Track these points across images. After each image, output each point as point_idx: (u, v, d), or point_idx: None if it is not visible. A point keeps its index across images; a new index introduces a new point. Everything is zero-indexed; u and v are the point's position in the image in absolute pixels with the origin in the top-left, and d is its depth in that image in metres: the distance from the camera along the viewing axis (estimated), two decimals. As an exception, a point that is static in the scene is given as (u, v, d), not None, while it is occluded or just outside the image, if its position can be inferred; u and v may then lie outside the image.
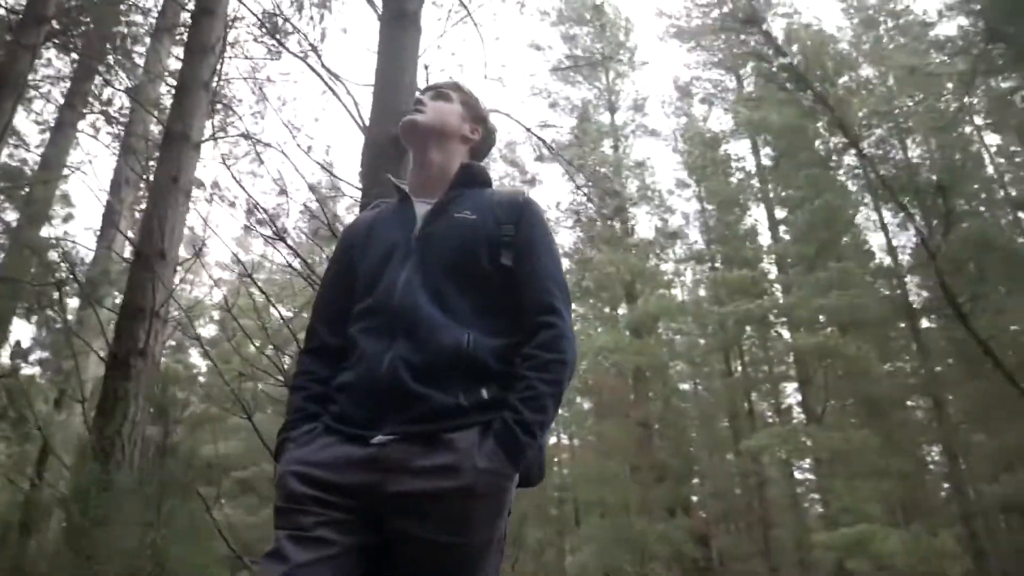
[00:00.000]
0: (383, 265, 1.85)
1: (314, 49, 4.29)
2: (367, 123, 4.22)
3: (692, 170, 24.17)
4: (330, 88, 4.12)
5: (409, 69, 4.30)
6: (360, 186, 4.13)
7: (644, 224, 24.97)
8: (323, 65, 4.24)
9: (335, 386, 1.80)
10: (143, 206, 9.70)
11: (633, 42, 22.52)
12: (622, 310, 23.36)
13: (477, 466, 1.60)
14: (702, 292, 24.85)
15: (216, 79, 6.66)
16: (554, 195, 23.18)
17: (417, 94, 2.16)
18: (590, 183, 23.18)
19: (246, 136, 7.27)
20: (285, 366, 4.41)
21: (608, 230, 23.35)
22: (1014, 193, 21.93)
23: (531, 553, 17.35)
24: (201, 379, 18.88)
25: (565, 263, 22.93)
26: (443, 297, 1.79)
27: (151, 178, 6.86)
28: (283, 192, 4.94)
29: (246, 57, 8.58)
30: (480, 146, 2.16)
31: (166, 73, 8.90)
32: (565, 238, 22.84)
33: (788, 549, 20.63)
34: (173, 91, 6.75)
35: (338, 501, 1.60)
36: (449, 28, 4.76)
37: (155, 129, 8.53)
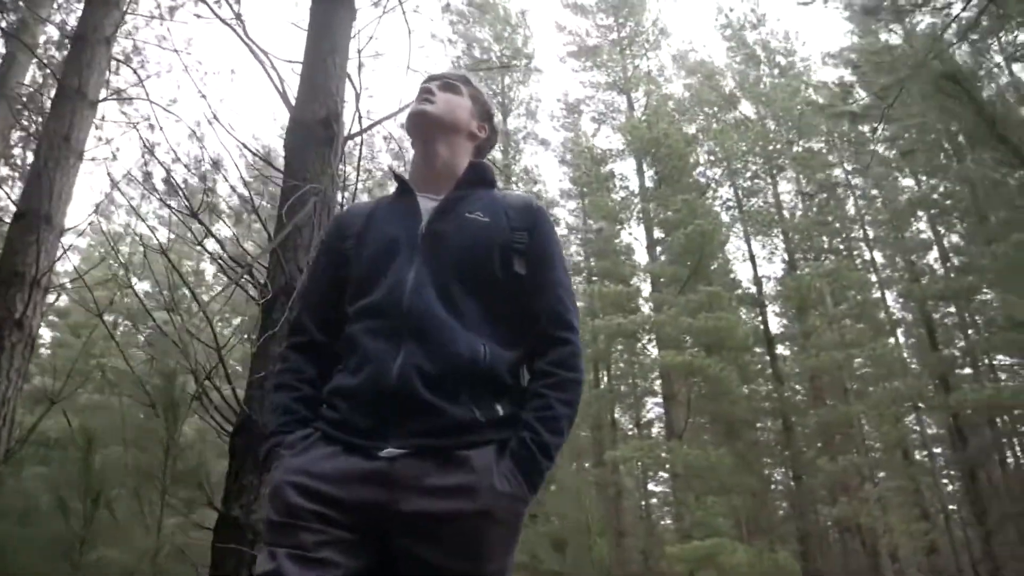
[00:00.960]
0: (386, 261, 1.74)
1: (238, 17, 4.07)
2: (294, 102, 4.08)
3: (577, 183, 24.75)
4: (258, 61, 3.93)
5: (340, 51, 4.20)
6: (283, 170, 3.97)
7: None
8: (246, 35, 4.03)
9: (332, 389, 1.68)
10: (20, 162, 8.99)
11: (531, 49, 22.84)
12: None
13: (495, 488, 1.53)
14: (579, 304, 25.39)
15: (120, 34, 6.25)
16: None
17: (424, 83, 2.02)
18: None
19: (150, 101, 6.82)
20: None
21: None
22: (871, 233, 23.69)
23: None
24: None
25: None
26: (452, 300, 1.69)
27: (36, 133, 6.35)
28: (214, 166, 4.65)
29: (158, 17, 8.04)
30: (485, 145, 2.06)
31: (64, 23, 8.27)
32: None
33: (637, 560, 21.31)
34: (69, 43, 6.28)
35: (342, 518, 1.48)
36: (382, 15, 4.62)
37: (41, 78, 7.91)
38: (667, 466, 18.97)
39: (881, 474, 20.87)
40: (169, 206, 3.53)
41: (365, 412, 1.58)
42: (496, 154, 22.18)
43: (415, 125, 1.95)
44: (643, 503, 25.26)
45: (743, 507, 18.70)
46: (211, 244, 4.05)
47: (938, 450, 23.63)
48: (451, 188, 1.87)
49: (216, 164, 4.54)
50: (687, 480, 18.88)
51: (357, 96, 4.02)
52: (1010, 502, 20.23)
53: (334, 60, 3.94)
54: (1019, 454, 23.05)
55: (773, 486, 23.56)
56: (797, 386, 22.79)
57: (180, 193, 3.32)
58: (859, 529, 18.89)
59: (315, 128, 3.75)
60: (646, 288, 22.75)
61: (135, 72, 6.68)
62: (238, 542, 2.69)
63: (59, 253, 5.67)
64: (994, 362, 21.95)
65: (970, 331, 22.38)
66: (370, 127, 4.11)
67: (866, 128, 21.62)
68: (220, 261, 3.25)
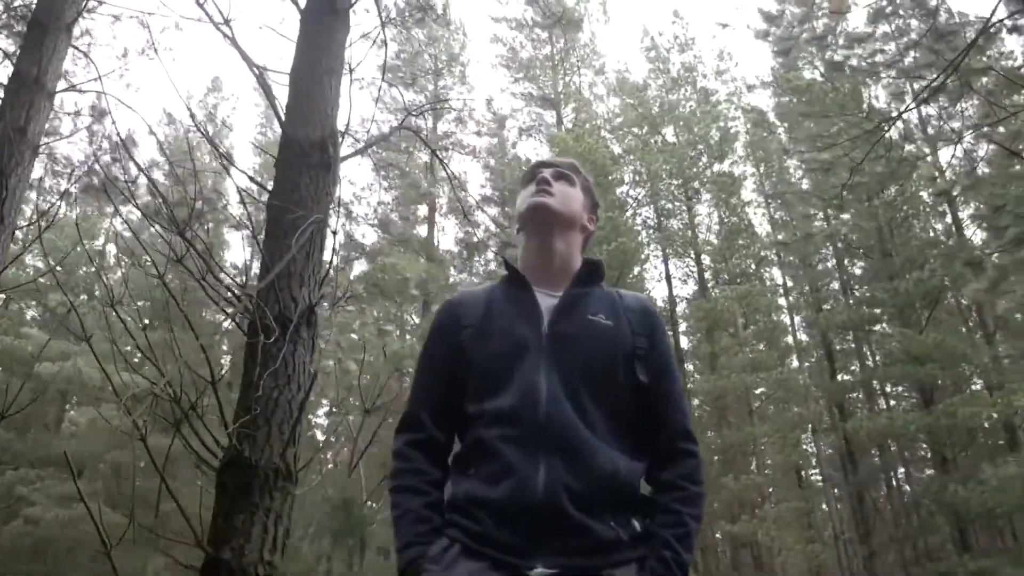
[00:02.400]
0: (512, 361, 1.70)
1: (227, 23, 3.93)
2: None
3: (501, 191, 24.82)
4: (252, 71, 3.81)
5: (337, 72, 4.11)
6: (270, 188, 3.85)
7: (450, 236, 25.38)
8: (234, 41, 3.90)
9: (469, 498, 1.62)
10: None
11: (466, 57, 22.85)
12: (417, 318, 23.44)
13: None
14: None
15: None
16: (356, 187, 22.28)
17: (537, 169, 1.98)
18: (398, 185, 23.02)
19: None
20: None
21: (410, 234, 23.38)
22: (775, 256, 24.59)
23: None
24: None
25: (363, 263, 22.69)
26: (584, 410, 1.66)
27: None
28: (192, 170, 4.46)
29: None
30: (592, 235, 2.02)
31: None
32: (369, 236, 22.57)
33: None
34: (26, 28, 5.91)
35: None
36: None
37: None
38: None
39: (770, 490, 21.65)
40: (152, 220, 3.36)
41: (511, 528, 1.54)
42: (423, 157, 22.07)
43: (535, 219, 1.90)
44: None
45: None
46: (192, 261, 3.91)
47: (830, 472, 24.65)
48: (568, 284, 1.84)
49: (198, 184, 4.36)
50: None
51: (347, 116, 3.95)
52: (894, 526, 21.34)
53: (331, 81, 3.85)
54: (901, 480, 24.31)
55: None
56: (706, 406, 23.44)
57: (166, 208, 3.16)
58: (752, 546, 19.56)
59: (310, 151, 3.65)
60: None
61: (94, 64, 6.29)
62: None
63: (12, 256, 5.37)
64: (887, 391, 23.13)
65: (867, 360, 23.55)
66: (362, 150, 4.03)
67: (791, 163, 22.53)
68: (212, 288, 3.12)
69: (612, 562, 1.54)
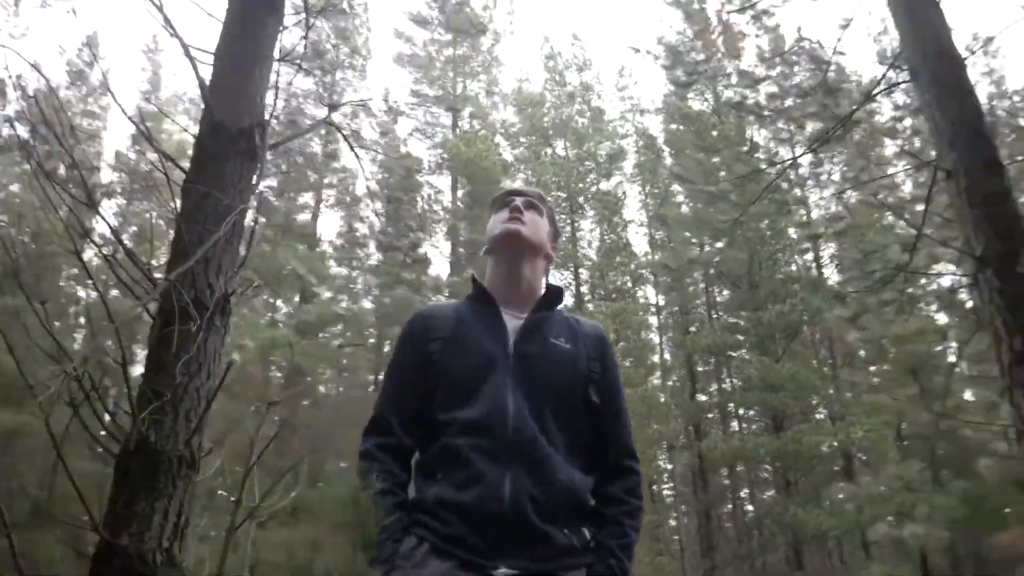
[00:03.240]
0: (481, 377, 1.82)
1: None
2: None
3: (388, 186, 24.59)
4: (182, 46, 3.65)
5: (268, 62, 4.01)
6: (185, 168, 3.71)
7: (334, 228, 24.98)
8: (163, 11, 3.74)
9: (439, 501, 1.72)
10: None
11: (368, 49, 22.50)
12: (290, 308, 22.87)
13: None
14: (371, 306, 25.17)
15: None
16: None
17: (513, 198, 2.11)
18: (291, 171, 22.47)
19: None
20: None
21: (291, 221, 22.81)
22: (651, 276, 25.46)
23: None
24: None
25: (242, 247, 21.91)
26: (546, 426, 1.80)
27: None
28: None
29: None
30: (552, 261, 2.18)
31: None
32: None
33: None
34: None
35: None
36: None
37: None
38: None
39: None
40: (71, 194, 3.18)
41: (482, 532, 1.65)
42: (315, 146, 21.60)
43: (507, 245, 2.04)
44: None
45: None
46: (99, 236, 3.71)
47: (681, 488, 25.68)
48: (531, 307, 1.98)
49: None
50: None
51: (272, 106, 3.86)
52: (736, 543, 22.47)
53: (262, 68, 3.75)
54: (745, 500, 25.63)
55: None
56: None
57: (80, 177, 2.99)
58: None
59: (237, 138, 3.55)
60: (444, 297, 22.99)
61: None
62: (126, 574, 2.50)
63: None
64: (741, 414, 24.35)
65: (724, 383, 24.71)
66: (284, 141, 3.94)
67: (676, 187, 23.39)
68: (119, 269, 2.97)
69: (566, 566, 1.70)
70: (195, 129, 3.74)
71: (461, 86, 23.76)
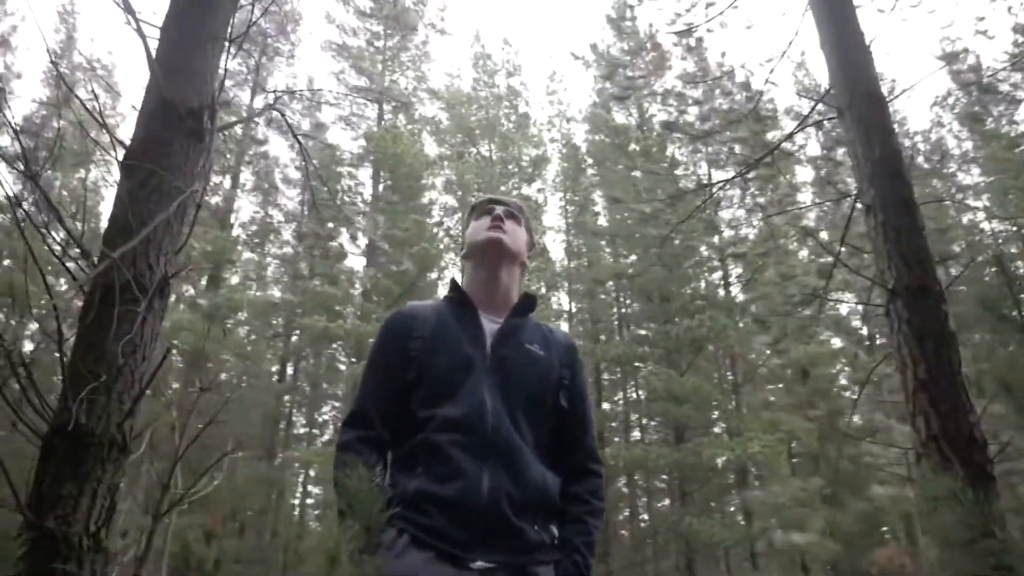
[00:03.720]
0: (461, 377, 1.90)
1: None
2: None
3: (303, 172, 24.16)
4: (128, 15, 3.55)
5: (220, 40, 3.93)
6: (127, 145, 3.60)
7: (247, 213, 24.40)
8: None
9: (420, 494, 1.77)
10: None
11: (299, 34, 22.08)
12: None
13: None
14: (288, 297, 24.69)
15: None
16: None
17: (494, 207, 2.21)
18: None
19: None
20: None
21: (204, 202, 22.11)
22: (565, 283, 25.77)
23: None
24: None
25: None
26: (520, 428, 1.89)
27: None
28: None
29: None
30: (526, 268, 2.27)
31: None
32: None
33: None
34: None
35: None
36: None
37: None
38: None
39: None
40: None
41: (462, 526, 1.72)
42: (237, 129, 21.03)
43: (490, 253, 2.13)
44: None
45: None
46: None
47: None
48: (507, 312, 2.07)
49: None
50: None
51: (221, 85, 3.79)
52: (632, 551, 22.97)
53: (213, 48, 3.68)
54: (641, 508, 26.24)
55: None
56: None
57: (18, 142, 2.87)
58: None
59: (186, 117, 3.47)
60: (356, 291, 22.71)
61: None
62: (51, 557, 2.43)
63: None
64: (644, 423, 24.90)
65: (630, 393, 25.24)
66: (232, 125, 3.87)
67: (596, 196, 23.71)
68: (59, 248, 2.88)
69: (536, 561, 1.79)
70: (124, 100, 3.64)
71: (389, 79, 23.52)
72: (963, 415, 4.40)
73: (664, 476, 23.90)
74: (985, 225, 21.02)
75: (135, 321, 3.09)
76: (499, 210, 2.19)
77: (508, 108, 24.78)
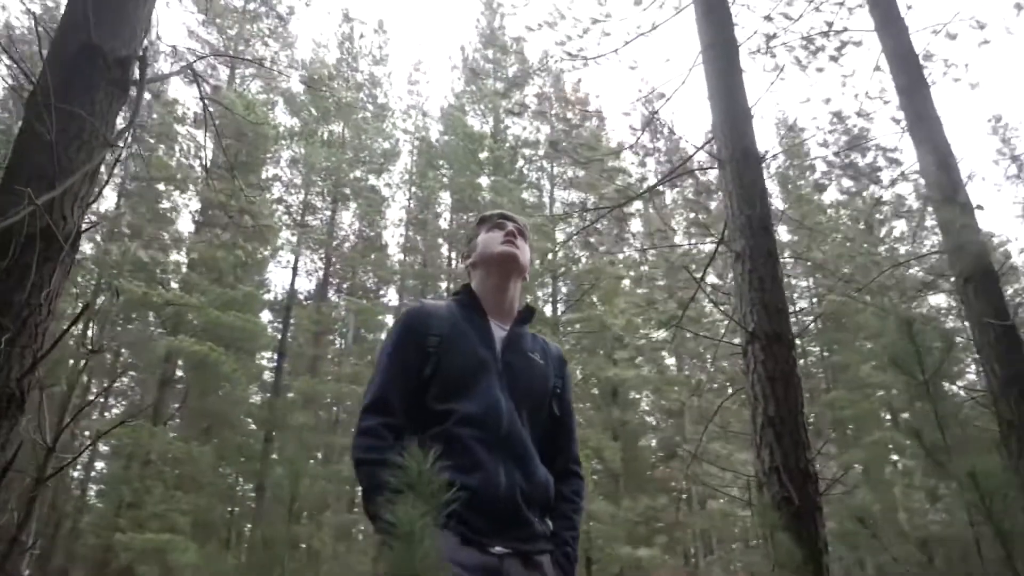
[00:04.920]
0: (477, 377, 2.07)
1: None
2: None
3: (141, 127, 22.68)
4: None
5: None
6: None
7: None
8: None
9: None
10: None
11: None
12: None
13: None
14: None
15: None
16: None
17: (505, 223, 2.38)
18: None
19: None
20: None
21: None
22: (398, 280, 25.65)
23: None
24: None
25: None
26: (526, 429, 2.08)
27: None
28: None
29: None
30: (527, 280, 2.45)
31: None
32: None
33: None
34: None
35: None
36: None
37: None
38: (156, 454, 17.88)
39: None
40: None
41: (483, 515, 1.87)
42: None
43: (505, 267, 2.31)
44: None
45: (206, 507, 18.46)
46: None
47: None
48: (510, 319, 2.27)
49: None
50: (159, 469, 18.08)
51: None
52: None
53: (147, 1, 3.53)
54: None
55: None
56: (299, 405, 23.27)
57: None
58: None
59: (113, 67, 3.31)
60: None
61: None
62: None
63: None
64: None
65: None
66: (153, 80, 3.72)
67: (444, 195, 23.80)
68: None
69: (539, 550, 1.98)
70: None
71: (247, 47, 22.50)
72: (802, 451, 4.93)
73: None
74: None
75: (46, 273, 2.96)
76: (511, 227, 2.37)
77: (367, 96, 24.40)
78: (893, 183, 8.96)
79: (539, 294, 24.18)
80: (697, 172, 7.30)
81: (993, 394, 6.14)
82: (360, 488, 1.97)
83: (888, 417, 22.09)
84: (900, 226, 17.54)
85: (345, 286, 23.76)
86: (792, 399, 5.12)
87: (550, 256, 23.15)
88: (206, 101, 5.19)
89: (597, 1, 8.77)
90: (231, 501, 21.79)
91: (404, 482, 1.68)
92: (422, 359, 2.08)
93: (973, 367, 16.21)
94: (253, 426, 21.63)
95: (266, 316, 22.65)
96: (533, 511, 2.00)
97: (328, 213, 23.81)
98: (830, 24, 9.10)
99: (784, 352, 5.29)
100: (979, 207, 6.82)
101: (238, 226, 19.30)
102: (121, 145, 3.33)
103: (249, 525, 22.56)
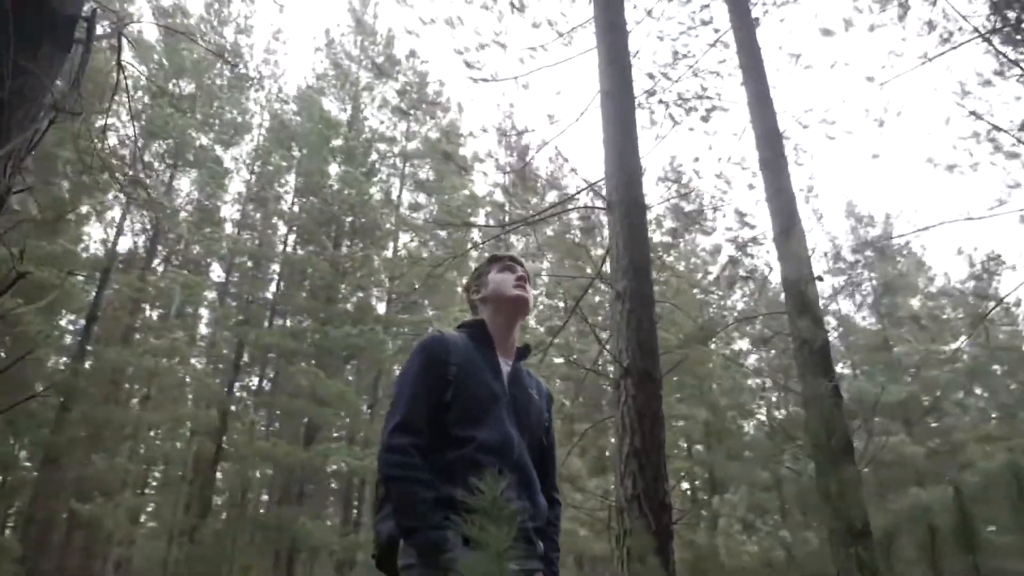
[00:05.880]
0: (489, 406, 2.27)
1: None
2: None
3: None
4: None
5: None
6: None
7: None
8: None
9: (464, 502, 2.00)
10: None
11: None
12: None
13: None
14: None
15: None
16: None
17: (517, 267, 2.61)
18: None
19: None
20: None
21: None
22: (227, 257, 24.62)
23: None
24: None
25: None
26: (528, 459, 2.31)
27: None
28: None
29: None
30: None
31: None
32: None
33: None
34: None
35: None
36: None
37: None
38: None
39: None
40: None
41: None
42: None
43: (515, 308, 2.54)
44: None
45: None
46: None
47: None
48: (511, 355, 2.48)
49: None
50: None
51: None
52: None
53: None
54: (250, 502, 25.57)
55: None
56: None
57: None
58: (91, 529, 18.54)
59: (60, 24, 3.19)
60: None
61: None
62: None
63: None
64: (275, 416, 24.44)
65: (265, 383, 24.63)
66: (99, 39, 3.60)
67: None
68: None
69: (536, 569, 2.21)
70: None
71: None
72: (661, 482, 5.38)
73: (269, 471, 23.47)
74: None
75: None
76: (521, 271, 2.60)
77: (226, 64, 23.20)
78: (745, 245, 9.84)
79: (374, 292, 24.06)
80: (580, 209, 7.68)
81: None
82: (392, 503, 2.09)
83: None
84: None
85: (175, 258, 22.50)
86: (657, 434, 5.55)
87: (389, 252, 23.18)
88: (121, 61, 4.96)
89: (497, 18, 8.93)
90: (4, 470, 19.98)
91: (480, 506, 1.85)
92: (443, 385, 2.24)
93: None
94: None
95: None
96: (537, 533, 2.24)
97: (166, 176, 22.49)
98: (704, 88, 9.87)
99: (654, 390, 5.73)
100: (819, 278, 7.65)
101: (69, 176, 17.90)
102: (64, 109, 3.17)
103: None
